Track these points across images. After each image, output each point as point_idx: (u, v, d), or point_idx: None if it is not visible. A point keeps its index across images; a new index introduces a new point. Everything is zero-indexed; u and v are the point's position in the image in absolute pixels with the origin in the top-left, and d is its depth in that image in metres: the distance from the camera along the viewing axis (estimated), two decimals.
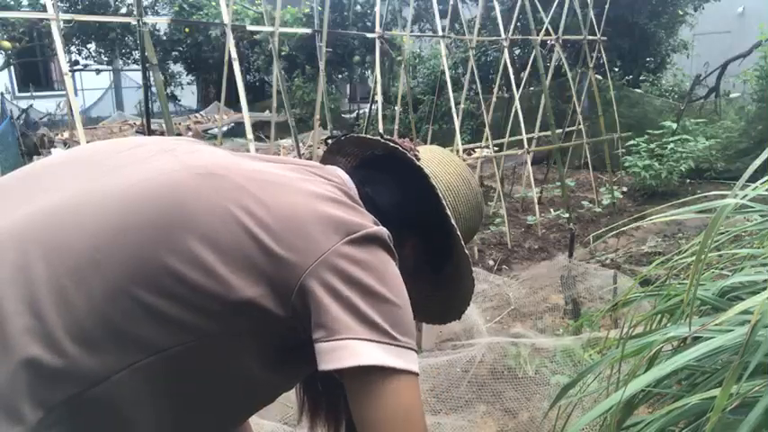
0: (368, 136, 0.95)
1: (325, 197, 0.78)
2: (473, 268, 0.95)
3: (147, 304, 0.67)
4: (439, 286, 1.01)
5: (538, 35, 5.89)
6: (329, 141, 1.02)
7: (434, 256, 0.97)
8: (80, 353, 0.65)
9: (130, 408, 0.68)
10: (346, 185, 0.86)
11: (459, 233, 0.91)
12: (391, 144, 0.92)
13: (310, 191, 0.78)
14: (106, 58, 12.59)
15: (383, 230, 0.78)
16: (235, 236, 0.70)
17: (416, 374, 0.72)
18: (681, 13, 10.29)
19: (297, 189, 0.78)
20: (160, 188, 0.73)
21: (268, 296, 0.70)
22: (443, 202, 0.90)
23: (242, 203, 0.72)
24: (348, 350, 0.68)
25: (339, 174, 0.89)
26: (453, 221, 0.90)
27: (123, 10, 10.81)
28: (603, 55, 6.73)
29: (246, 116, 3.75)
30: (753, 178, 0.87)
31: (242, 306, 0.69)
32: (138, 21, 3.36)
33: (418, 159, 0.93)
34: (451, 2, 6.13)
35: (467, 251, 0.92)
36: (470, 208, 0.97)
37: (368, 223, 0.77)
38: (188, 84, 13.71)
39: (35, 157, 7.44)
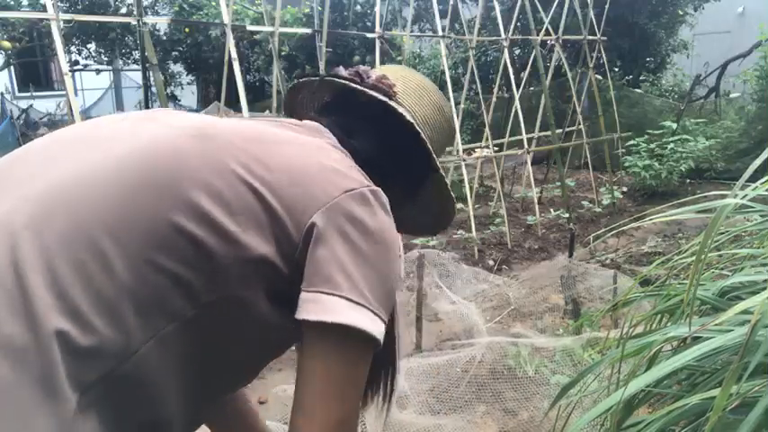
0: (342, 81, 0.91)
1: (320, 154, 0.79)
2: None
3: (162, 268, 0.67)
4: (420, 209, 1.04)
5: (538, 35, 5.89)
6: (294, 84, 0.99)
7: (415, 188, 0.99)
8: (107, 327, 0.64)
9: (160, 381, 0.68)
10: (333, 140, 0.86)
11: (438, 164, 0.93)
12: (369, 92, 0.90)
13: (302, 144, 0.80)
14: (106, 58, 12.57)
15: (380, 191, 0.78)
16: (240, 194, 0.70)
17: (379, 343, 0.73)
18: (681, 13, 10.29)
19: (289, 141, 0.79)
20: (157, 152, 0.72)
21: (276, 254, 0.71)
22: (428, 146, 0.91)
23: (241, 161, 0.72)
24: (325, 305, 0.69)
25: (321, 129, 0.87)
26: (435, 157, 0.92)
27: (123, 10, 10.79)
28: (603, 55, 6.73)
29: (246, 116, 3.75)
30: (753, 178, 0.87)
31: (254, 264, 0.70)
32: (138, 21, 3.36)
33: (395, 95, 0.91)
34: (451, 2, 6.14)
35: (442, 172, 0.96)
36: (445, 135, 1.01)
37: (364, 180, 0.78)
38: (188, 84, 13.69)
39: None
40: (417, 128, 0.90)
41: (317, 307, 0.70)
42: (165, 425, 0.72)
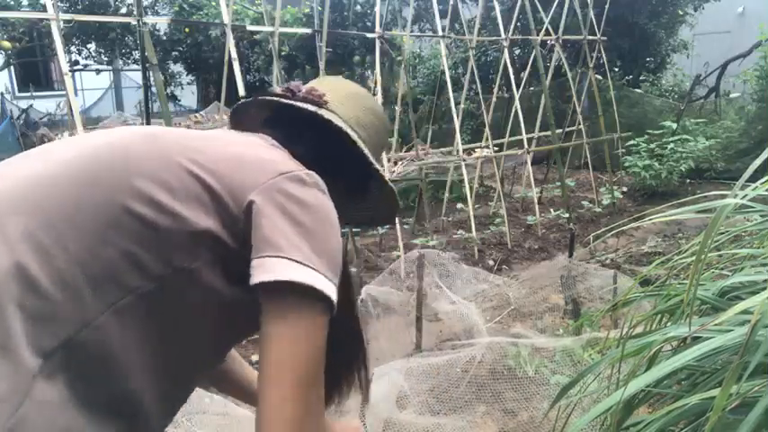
0: (274, 98, 0.99)
1: (259, 149, 0.88)
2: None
3: (117, 246, 0.74)
4: (367, 202, 1.11)
5: (538, 35, 5.89)
6: (236, 106, 1.08)
7: (356, 186, 1.06)
8: (63, 296, 0.70)
9: (122, 354, 0.74)
10: (275, 143, 0.93)
11: (376, 164, 1.00)
12: (299, 104, 0.97)
13: (243, 143, 0.89)
14: (106, 58, 12.56)
15: (315, 176, 0.85)
16: (181, 178, 0.78)
17: (332, 304, 0.76)
18: (681, 13, 10.28)
19: (231, 143, 0.89)
20: (111, 146, 0.82)
21: (221, 228, 0.78)
22: (363, 149, 0.98)
23: (184, 154, 0.81)
24: (273, 266, 0.74)
25: (263, 136, 0.94)
26: (371, 158, 0.99)
27: (123, 10, 10.79)
28: (603, 55, 6.73)
29: None
30: (753, 178, 0.87)
31: (200, 237, 0.77)
32: (138, 21, 3.36)
33: (326, 103, 0.99)
34: (451, 2, 6.14)
35: (381, 169, 1.03)
36: (380, 134, 1.08)
37: (300, 167, 0.85)
38: (188, 84, 13.68)
39: None
40: (348, 130, 0.97)
41: (262, 269, 0.74)
42: (136, 399, 0.76)
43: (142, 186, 0.76)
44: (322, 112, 0.97)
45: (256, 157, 0.84)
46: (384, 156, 5.07)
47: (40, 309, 0.69)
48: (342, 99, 1.02)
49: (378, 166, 1.02)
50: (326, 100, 0.99)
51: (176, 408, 0.87)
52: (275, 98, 0.99)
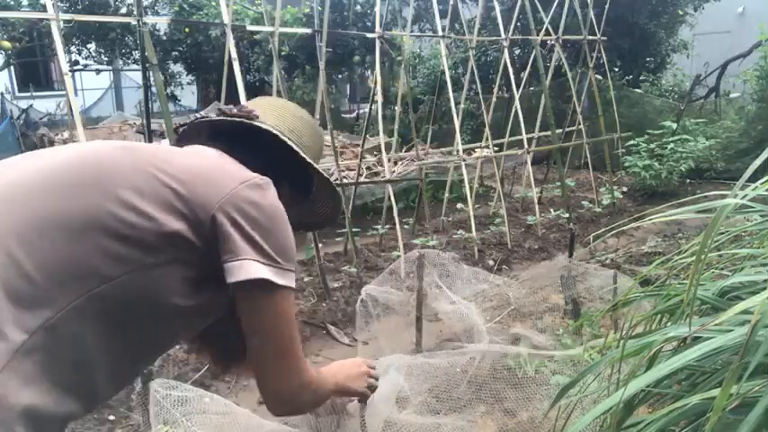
0: (210, 117, 1.16)
1: (219, 161, 1.04)
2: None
3: (98, 243, 0.87)
4: (314, 202, 1.29)
5: (538, 35, 5.89)
6: (179, 131, 1.24)
7: (303, 186, 1.23)
8: (47, 282, 0.83)
9: (90, 336, 0.86)
10: (224, 155, 1.07)
11: (312, 161, 1.16)
12: (230, 119, 1.12)
13: (204, 155, 1.05)
14: (106, 58, 12.54)
15: (268, 179, 1.02)
16: (154, 187, 0.92)
17: (293, 289, 0.99)
18: (681, 13, 10.28)
19: (194, 155, 1.04)
20: (92, 157, 0.96)
21: (189, 230, 0.92)
22: (296, 148, 1.13)
23: (155, 164, 0.95)
24: (245, 268, 0.93)
25: (212, 149, 1.09)
26: (307, 157, 1.14)
27: (123, 10, 10.77)
28: (603, 55, 6.73)
29: None
30: (753, 178, 0.87)
31: (171, 237, 0.91)
32: (138, 21, 3.36)
33: (256, 117, 1.13)
34: (451, 2, 6.13)
35: (321, 169, 1.19)
36: (312, 137, 1.21)
37: (255, 174, 1.01)
38: (188, 84, 13.66)
39: None
40: (275, 131, 1.12)
41: (236, 271, 0.93)
42: (98, 380, 0.90)
43: (122, 194, 0.90)
44: (249, 121, 1.12)
45: (217, 168, 1.00)
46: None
47: (25, 292, 0.81)
48: (270, 111, 1.17)
49: (316, 166, 1.18)
50: (256, 115, 1.14)
51: (124, 387, 1.03)
52: (210, 118, 1.16)
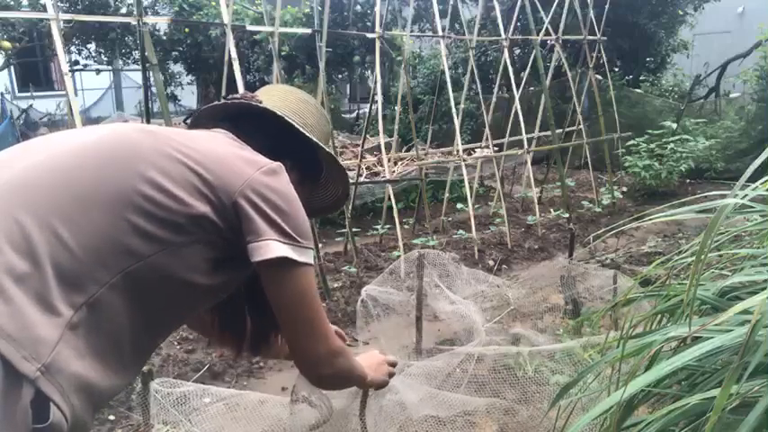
0: (216, 103, 1.22)
1: (234, 145, 1.09)
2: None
3: (131, 221, 0.91)
4: (325, 186, 1.34)
5: (538, 35, 5.89)
6: (187, 122, 1.29)
7: (311, 169, 1.27)
8: (90, 260, 0.87)
9: (124, 311, 0.91)
10: (235, 139, 1.12)
11: (318, 141, 1.20)
12: (236, 101, 1.18)
13: (222, 141, 1.09)
14: (106, 58, 12.52)
15: (280, 164, 1.07)
16: (181, 170, 0.96)
17: (312, 265, 1.06)
18: (681, 13, 10.28)
19: (212, 141, 1.08)
20: (117, 138, 1.00)
21: (213, 213, 0.97)
22: (300, 128, 1.17)
23: (178, 149, 0.99)
24: (268, 247, 0.98)
25: (225, 132, 1.13)
26: (313, 137, 1.18)
27: (123, 10, 10.76)
28: (603, 55, 6.73)
29: None
30: (753, 178, 0.87)
31: (198, 219, 0.96)
32: (138, 21, 3.36)
33: (260, 102, 1.18)
34: (451, 2, 6.14)
35: (329, 149, 1.24)
36: (317, 118, 1.25)
37: (270, 161, 1.06)
38: (188, 84, 13.64)
39: None
40: (280, 113, 1.16)
41: (259, 251, 0.98)
42: (134, 352, 0.96)
43: (151, 175, 0.94)
44: (254, 102, 1.17)
45: (235, 155, 1.05)
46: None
47: (72, 269, 0.86)
48: (276, 96, 1.23)
49: (321, 144, 1.22)
50: (260, 100, 1.19)
51: (144, 364, 1.06)
52: (215, 103, 1.22)
